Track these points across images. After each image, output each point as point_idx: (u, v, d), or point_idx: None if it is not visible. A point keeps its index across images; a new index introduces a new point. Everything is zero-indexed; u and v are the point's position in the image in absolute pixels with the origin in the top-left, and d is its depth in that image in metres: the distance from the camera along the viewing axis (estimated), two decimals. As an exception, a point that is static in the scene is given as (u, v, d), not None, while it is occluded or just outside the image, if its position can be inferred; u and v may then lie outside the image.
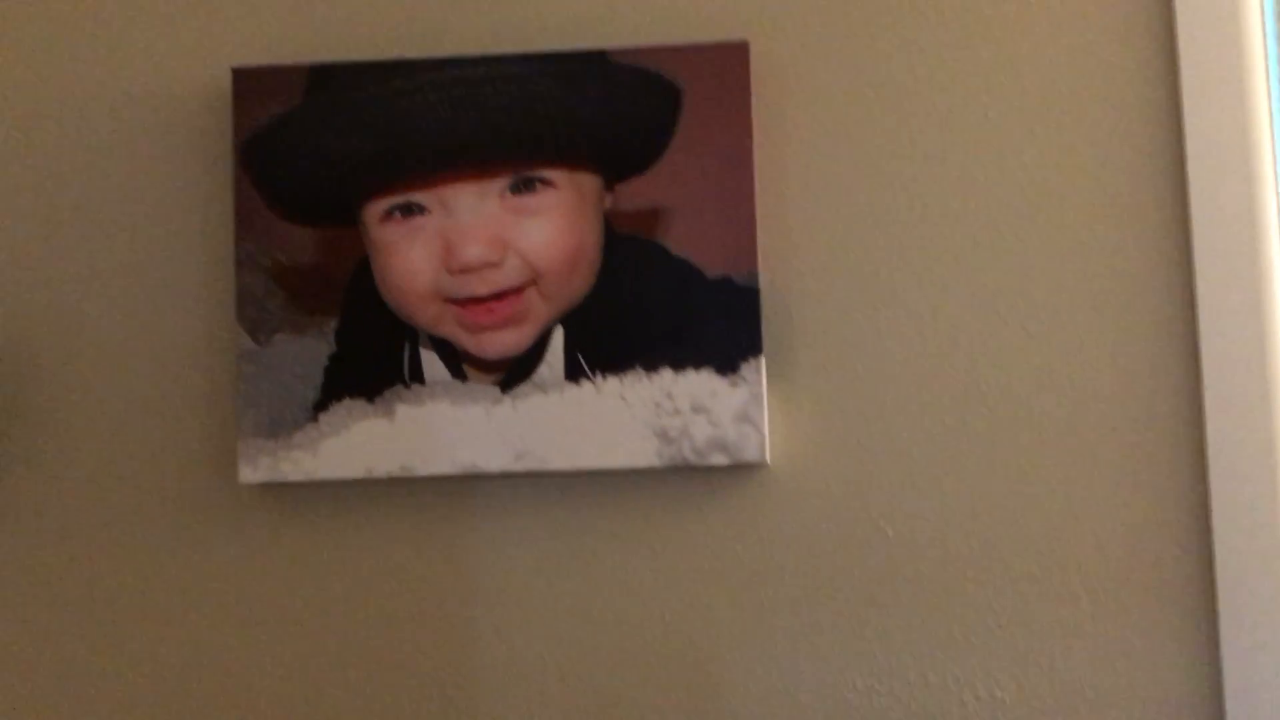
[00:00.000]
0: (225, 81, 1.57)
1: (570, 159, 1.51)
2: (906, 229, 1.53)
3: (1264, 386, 1.47)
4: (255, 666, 1.54)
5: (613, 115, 1.51)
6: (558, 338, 1.51)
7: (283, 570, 1.55)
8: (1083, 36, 1.54)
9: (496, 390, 1.51)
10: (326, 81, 1.53)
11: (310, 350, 1.52)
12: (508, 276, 1.50)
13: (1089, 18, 1.53)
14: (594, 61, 1.52)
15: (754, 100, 1.53)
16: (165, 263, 1.58)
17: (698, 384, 1.49)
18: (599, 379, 1.50)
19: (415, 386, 1.52)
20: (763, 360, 1.49)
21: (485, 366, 1.51)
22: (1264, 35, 1.51)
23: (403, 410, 1.52)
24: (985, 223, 1.53)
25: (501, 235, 1.50)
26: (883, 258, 1.53)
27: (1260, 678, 1.45)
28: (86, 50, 1.60)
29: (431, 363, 1.52)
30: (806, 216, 1.54)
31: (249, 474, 1.51)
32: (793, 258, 1.54)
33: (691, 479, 1.53)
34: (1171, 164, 1.51)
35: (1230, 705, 1.46)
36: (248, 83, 1.54)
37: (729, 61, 1.51)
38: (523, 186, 1.51)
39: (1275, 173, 1.50)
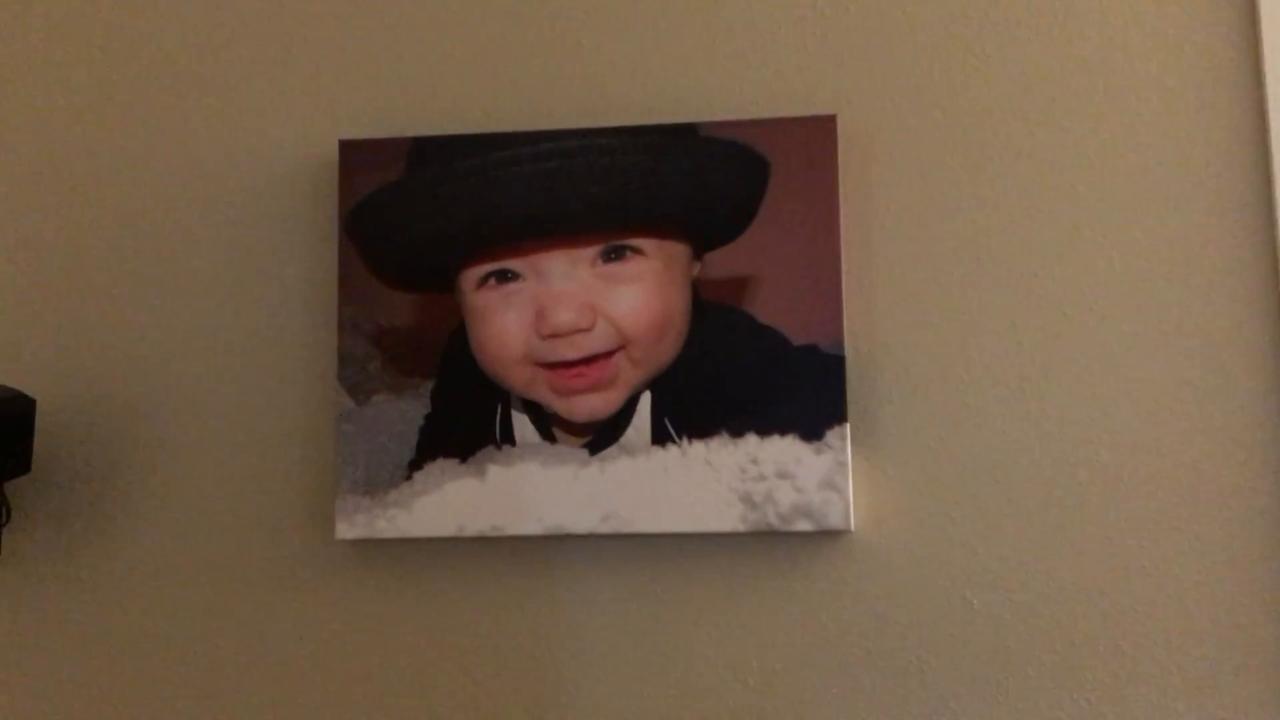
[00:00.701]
0: (332, 153, 1.65)
1: (660, 229, 1.55)
2: (992, 298, 1.54)
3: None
4: (345, 715, 1.58)
5: (702, 186, 1.55)
6: (645, 402, 1.54)
7: (375, 625, 1.59)
8: (1170, 108, 1.54)
9: (584, 453, 1.54)
10: (427, 153, 1.59)
11: (407, 411, 1.57)
12: (597, 342, 1.54)
13: (1177, 90, 1.54)
14: (684, 134, 1.56)
15: (840, 172, 1.56)
16: (272, 325, 1.64)
17: (782, 450, 1.51)
18: (685, 443, 1.53)
19: (506, 448, 1.56)
20: (847, 427, 1.50)
21: (574, 429, 1.55)
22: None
23: (494, 470, 1.55)
24: (1073, 293, 1.53)
25: (592, 302, 1.54)
26: (968, 327, 1.54)
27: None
28: (200, 121, 1.68)
29: (522, 425, 1.56)
30: (891, 286, 1.55)
31: (345, 530, 1.56)
32: (878, 326, 1.55)
33: (775, 545, 1.54)
34: (1265, 237, 1.50)
35: (1328, 790, 1.42)
36: (353, 154, 1.61)
37: (816, 134, 1.54)
38: (613, 255, 1.55)
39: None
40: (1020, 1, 1.57)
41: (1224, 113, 1.53)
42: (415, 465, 1.56)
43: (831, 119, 1.54)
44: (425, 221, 1.58)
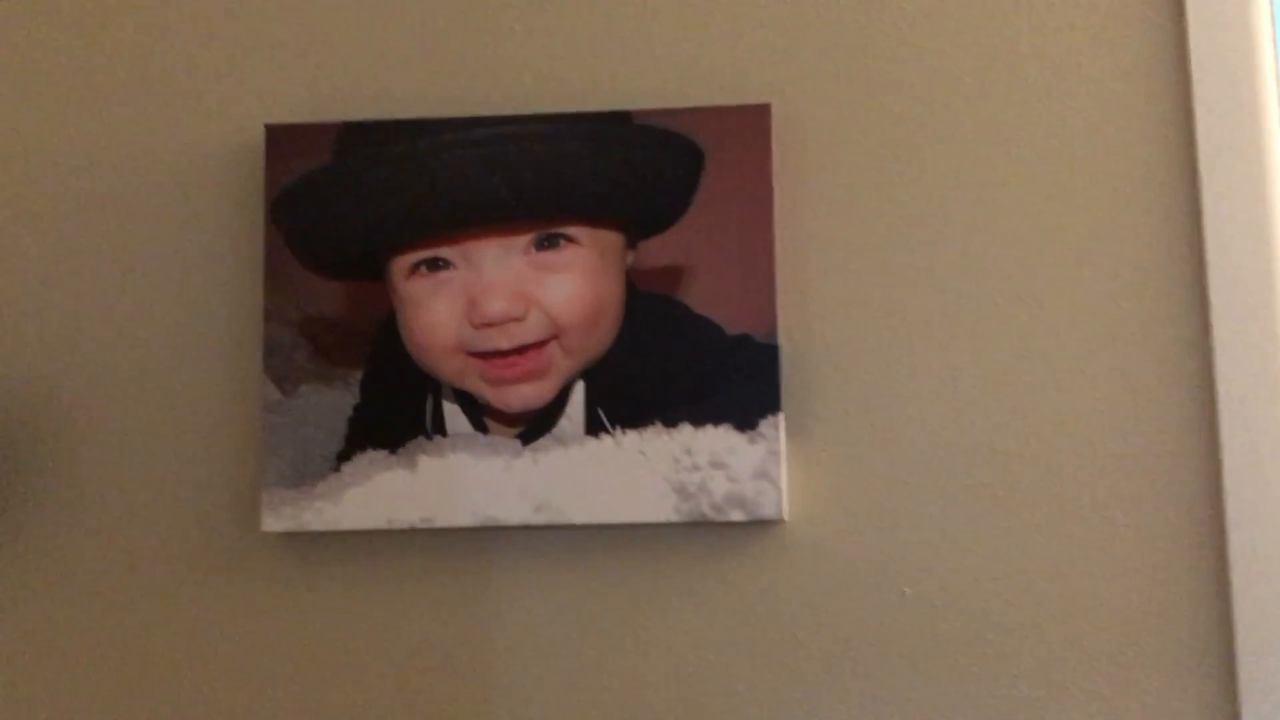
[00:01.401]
0: (258, 138, 1.61)
1: (593, 217, 1.54)
2: (925, 288, 1.55)
3: (1283, 450, 1.47)
4: (274, 715, 1.55)
5: (636, 174, 1.54)
6: (579, 392, 1.53)
7: (303, 619, 1.56)
8: (1102, 99, 1.55)
9: (517, 443, 1.53)
10: (356, 139, 1.56)
11: (335, 401, 1.55)
12: (530, 331, 1.52)
13: (1107, 82, 1.55)
14: (618, 122, 1.55)
15: (775, 161, 1.55)
16: (195, 314, 1.60)
17: (716, 440, 1.51)
18: (619, 433, 1.52)
19: (437, 438, 1.54)
20: (781, 417, 1.50)
21: (506, 419, 1.53)
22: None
23: (424, 462, 1.53)
24: (1005, 283, 1.54)
25: (525, 290, 1.53)
26: (901, 316, 1.55)
27: (1281, 745, 1.44)
28: (120, 107, 1.64)
29: (454, 415, 1.54)
30: (826, 275, 1.56)
31: (272, 523, 1.53)
32: (812, 316, 1.55)
33: (709, 535, 1.54)
34: (1190, 229, 1.53)
35: (1250, 772, 1.44)
36: (280, 140, 1.57)
37: (751, 123, 1.54)
38: (546, 243, 1.54)
39: (1293, 238, 1.51)
40: (952, -7, 1.58)
41: (1152, 105, 1.55)
42: (344, 456, 1.54)
43: (765, 108, 1.54)
44: (354, 208, 1.56)
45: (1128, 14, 1.56)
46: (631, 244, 1.54)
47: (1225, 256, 1.50)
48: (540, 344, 1.53)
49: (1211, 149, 1.51)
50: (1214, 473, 1.49)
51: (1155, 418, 1.51)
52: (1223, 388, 1.49)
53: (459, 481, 1.52)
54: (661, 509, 1.50)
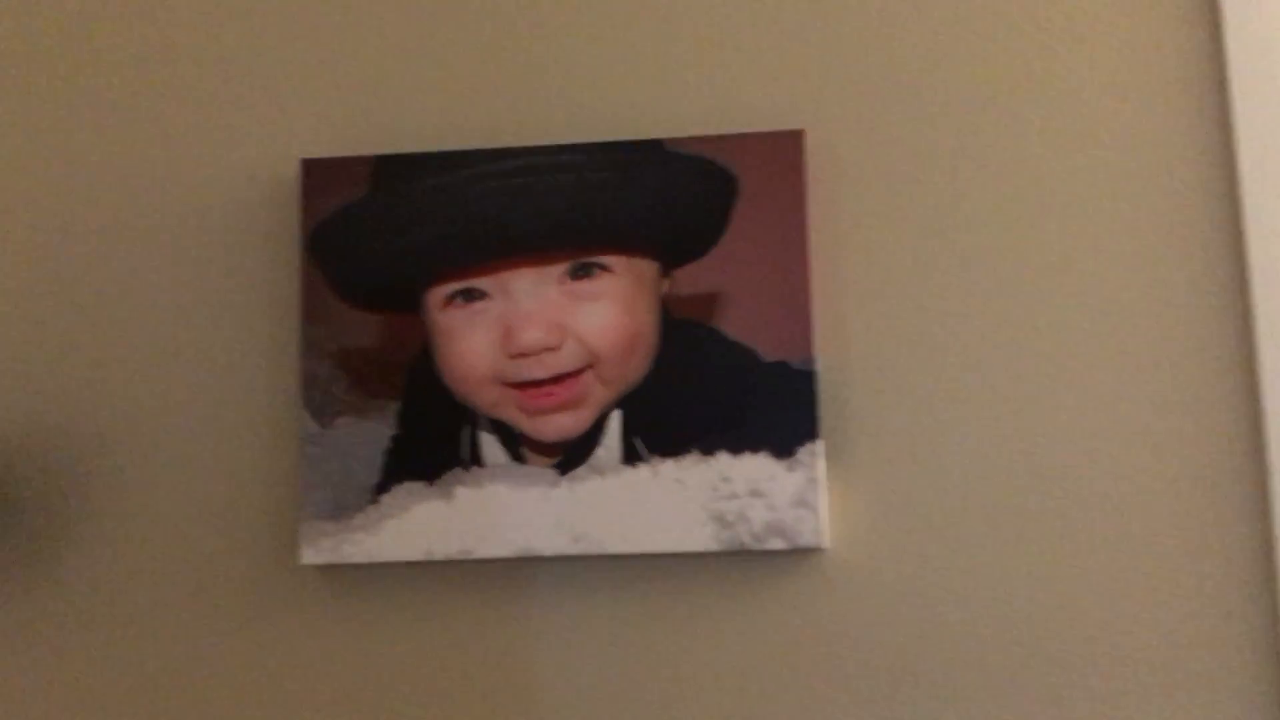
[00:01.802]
0: (294, 172, 1.62)
1: (628, 245, 1.54)
2: (962, 312, 1.54)
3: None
4: (313, 749, 1.55)
5: (669, 203, 1.54)
6: (615, 421, 1.52)
7: (342, 651, 1.56)
8: (1136, 119, 1.54)
9: (554, 473, 1.52)
10: (391, 172, 1.57)
11: (372, 433, 1.55)
12: (566, 360, 1.52)
13: (1144, 102, 1.54)
14: (651, 150, 1.55)
15: (809, 187, 1.55)
16: (233, 347, 1.61)
17: (755, 468, 1.50)
18: (656, 462, 1.51)
19: (474, 469, 1.53)
20: (820, 444, 1.49)
21: (543, 449, 1.53)
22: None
23: (462, 493, 1.53)
24: (1044, 307, 1.53)
25: (560, 320, 1.53)
26: (939, 342, 1.53)
27: (1337, 773, 1.41)
28: (160, 141, 1.65)
29: (490, 445, 1.54)
30: (862, 301, 1.55)
31: (310, 555, 1.53)
32: (849, 342, 1.54)
33: (749, 563, 1.52)
34: (1233, 246, 1.51)
35: (1306, 802, 1.41)
36: (316, 173, 1.59)
37: (784, 149, 1.53)
38: (581, 272, 1.54)
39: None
40: (986, 16, 1.58)
41: (1189, 124, 1.53)
42: (382, 488, 1.54)
43: (799, 134, 1.54)
44: (389, 240, 1.56)
45: (1165, 31, 1.55)
46: (666, 272, 1.54)
47: (1270, 273, 1.48)
48: (576, 373, 1.52)
49: (1253, 168, 1.49)
50: (1261, 495, 1.47)
51: (1199, 440, 1.49)
52: (1270, 407, 1.46)
53: (496, 512, 1.52)
54: (700, 538, 1.49)
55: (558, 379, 1.53)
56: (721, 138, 1.54)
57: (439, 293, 1.56)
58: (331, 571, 1.57)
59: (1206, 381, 1.50)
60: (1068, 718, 1.47)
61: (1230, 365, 1.49)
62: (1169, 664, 1.46)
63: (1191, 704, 1.46)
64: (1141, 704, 1.46)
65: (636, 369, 1.53)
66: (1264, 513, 1.47)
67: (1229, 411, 1.49)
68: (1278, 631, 1.45)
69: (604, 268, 1.54)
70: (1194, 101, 1.53)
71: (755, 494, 1.49)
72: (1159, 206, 1.53)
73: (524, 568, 1.55)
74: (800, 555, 1.52)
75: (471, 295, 1.55)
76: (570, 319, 1.53)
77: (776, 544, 1.48)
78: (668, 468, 1.51)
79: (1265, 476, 1.46)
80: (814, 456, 1.49)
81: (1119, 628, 1.48)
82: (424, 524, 1.53)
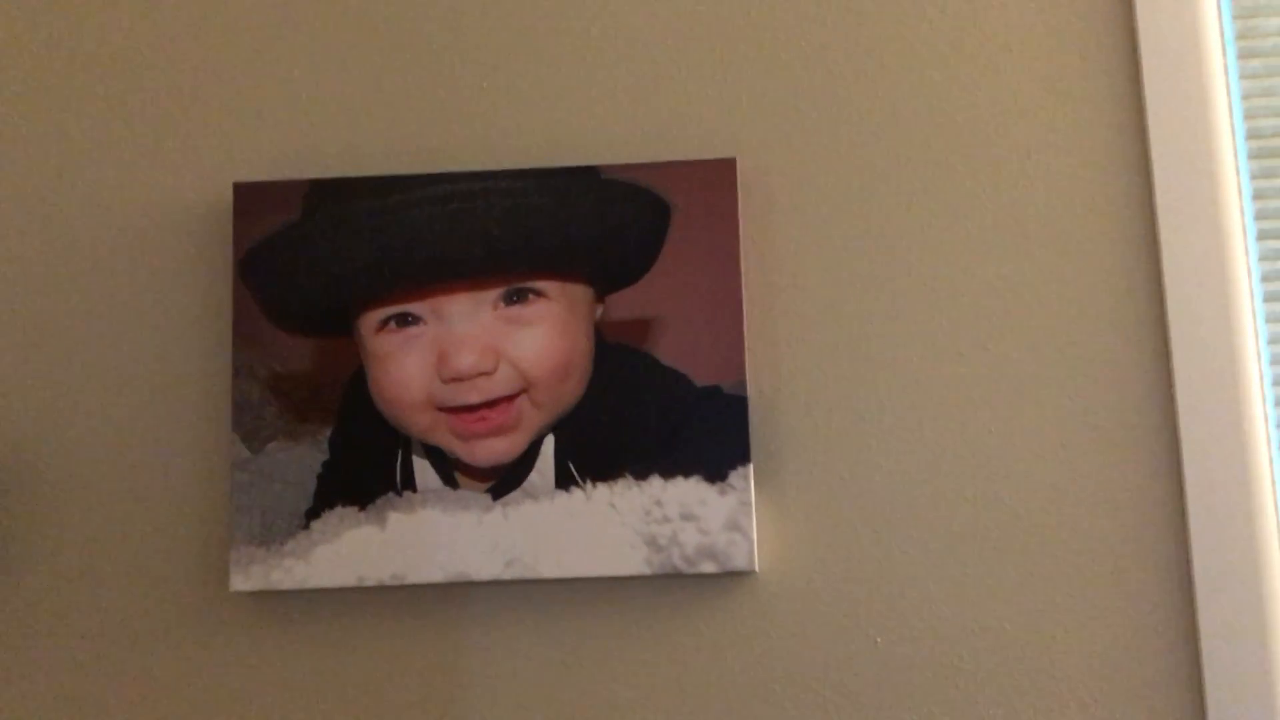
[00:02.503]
0: (226, 196, 1.62)
1: (562, 271, 1.55)
2: (892, 337, 1.56)
3: (1245, 493, 1.48)
4: (242, 778, 1.53)
5: (603, 229, 1.55)
6: (549, 446, 1.53)
7: (274, 679, 1.54)
8: (1059, 143, 1.58)
9: (487, 498, 1.52)
10: (325, 196, 1.57)
11: (304, 458, 1.54)
12: (500, 385, 1.53)
13: (1066, 132, 1.58)
14: (585, 177, 1.56)
15: (741, 214, 1.57)
16: (164, 371, 1.60)
17: (687, 492, 1.51)
18: (589, 486, 1.52)
19: (407, 494, 1.53)
20: (751, 468, 1.51)
21: (477, 474, 1.53)
22: (1233, 136, 1.56)
23: (394, 518, 1.53)
24: (970, 331, 1.56)
25: (494, 345, 1.53)
26: (869, 366, 1.56)
27: (1254, 789, 1.44)
28: (89, 165, 1.64)
29: (424, 470, 1.54)
30: (793, 326, 1.57)
31: (240, 582, 1.52)
32: (780, 367, 1.56)
33: (681, 587, 1.53)
34: (1150, 272, 1.55)
35: (1225, 817, 1.44)
36: (248, 197, 1.58)
37: (717, 177, 1.55)
38: (516, 297, 1.54)
39: (1253, 309, 1.53)
40: (916, 46, 1.61)
41: (1109, 153, 1.57)
42: (313, 514, 1.53)
43: (731, 162, 1.56)
44: (322, 265, 1.56)
45: (1087, 63, 1.59)
46: (600, 297, 1.55)
47: (1185, 303, 1.52)
48: (510, 398, 1.53)
49: (1168, 193, 1.54)
50: (1179, 509, 1.50)
51: (1120, 462, 1.52)
52: (1186, 430, 1.50)
53: (429, 537, 1.52)
54: (633, 562, 1.50)
55: (491, 404, 1.53)
56: (656, 165, 1.56)
57: (372, 317, 1.55)
58: (262, 598, 1.55)
59: (1128, 404, 1.53)
60: (995, 737, 1.49)
61: (1151, 388, 1.53)
62: (1095, 680, 1.49)
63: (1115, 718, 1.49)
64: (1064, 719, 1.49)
65: (570, 394, 1.53)
66: (1182, 526, 1.50)
67: (1149, 434, 1.52)
68: (1197, 646, 1.48)
69: (538, 293, 1.54)
70: (1113, 126, 1.57)
71: (687, 518, 1.50)
72: (1082, 228, 1.56)
73: (457, 593, 1.54)
74: (732, 578, 1.53)
75: (406, 320, 1.55)
76: (504, 344, 1.53)
77: (708, 567, 1.49)
78: (601, 492, 1.52)
79: (1183, 494, 1.50)
80: (745, 480, 1.50)
81: (1047, 646, 1.50)
82: (356, 549, 1.52)
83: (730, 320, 1.53)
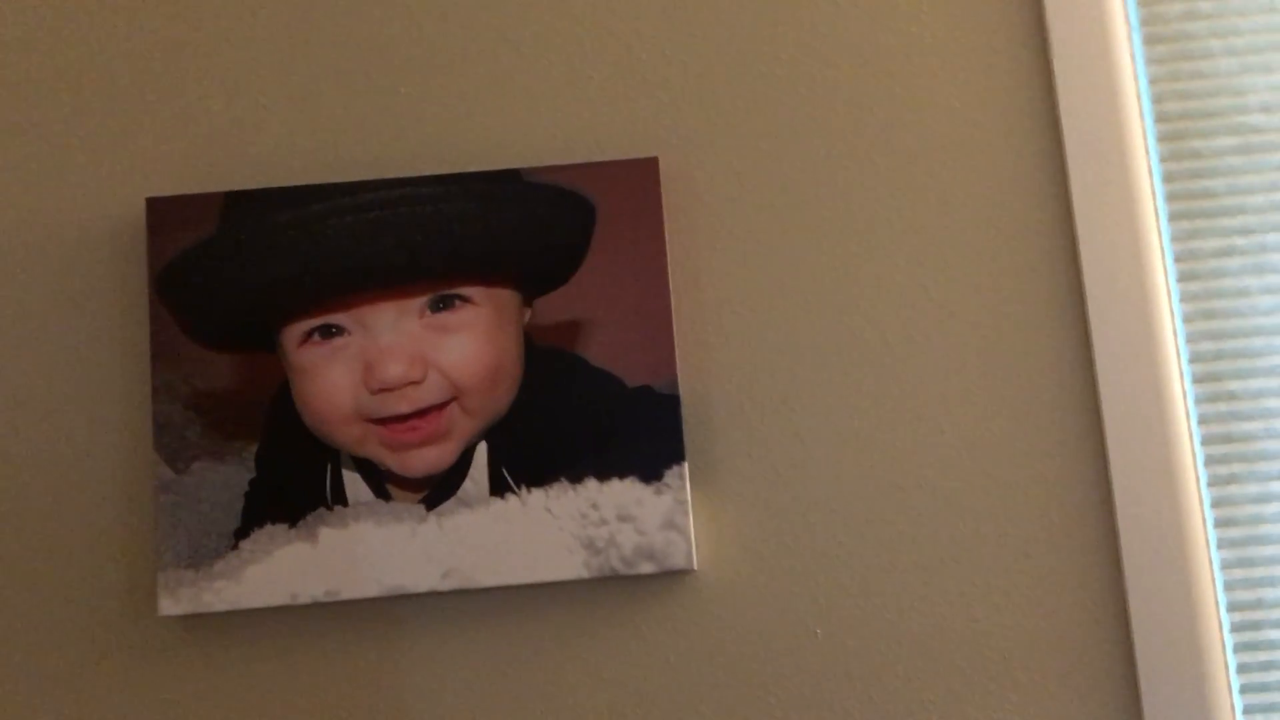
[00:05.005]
0: (139, 211, 1.58)
1: (488, 276, 1.53)
2: (821, 332, 1.57)
3: (1167, 469, 1.52)
4: (179, 806, 1.49)
5: (528, 232, 1.54)
6: (481, 453, 1.51)
7: (208, 704, 1.51)
8: (976, 142, 1.60)
9: (421, 509, 1.50)
10: (241, 208, 1.54)
11: (230, 477, 1.51)
12: (429, 394, 1.51)
13: (982, 122, 1.60)
14: (508, 180, 1.55)
15: (665, 213, 1.57)
16: (81, 394, 1.55)
17: (622, 493, 1.50)
18: (524, 492, 1.51)
19: (338, 509, 1.51)
20: (686, 467, 1.51)
21: (409, 485, 1.51)
22: (1144, 136, 1.59)
23: (326, 533, 1.50)
24: (898, 325, 1.57)
25: (422, 353, 1.51)
26: (799, 361, 1.57)
27: (1188, 759, 1.48)
28: (-4, 185, 1.59)
29: (354, 484, 1.51)
30: (722, 323, 1.57)
31: (170, 606, 1.48)
32: (711, 364, 1.56)
33: (620, 588, 1.53)
34: (1068, 258, 1.57)
35: (1162, 788, 1.47)
36: (162, 212, 1.54)
37: (640, 176, 1.55)
38: (442, 304, 1.53)
39: (1168, 289, 1.57)
40: (833, 42, 1.62)
41: (1026, 148, 1.60)
42: (242, 533, 1.50)
43: (653, 161, 1.55)
44: (241, 279, 1.53)
45: (994, 47, 1.61)
46: (528, 301, 1.54)
47: (1103, 290, 1.55)
48: (440, 406, 1.51)
49: (1084, 188, 1.57)
50: (1105, 495, 1.53)
51: (1047, 447, 1.55)
52: (1108, 412, 1.53)
53: (363, 551, 1.50)
54: (571, 566, 1.49)
55: (421, 413, 1.51)
56: (577, 166, 1.55)
57: (295, 330, 1.53)
58: (192, 621, 1.52)
59: (1051, 389, 1.56)
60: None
61: (1072, 372, 1.56)
62: (1029, 663, 1.51)
63: (1051, 702, 1.51)
64: (1005, 703, 1.51)
65: (501, 399, 1.52)
66: (1109, 511, 1.53)
67: (1073, 416, 1.55)
68: (1127, 619, 1.51)
69: (464, 299, 1.53)
70: (1028, 118, 1.60)
71: (624, 519, 1.50)
72: (1002, 223, 1.59)
73: (394, 606, 1.52)
74: (671, 578, 1.53)
75: (329, 332, 1.52)
76: (432, 352, 1.52)
77: (647, 568, 1.49)
78: (536, 497, 1.51)
79: (1108, 477, 1.53)
80: (680, 479, 1.50)
81: (984, 628, 1.52)
82: (287, 568, 1.49)
83: (659, 320, 1.53)
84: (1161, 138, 1.61)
